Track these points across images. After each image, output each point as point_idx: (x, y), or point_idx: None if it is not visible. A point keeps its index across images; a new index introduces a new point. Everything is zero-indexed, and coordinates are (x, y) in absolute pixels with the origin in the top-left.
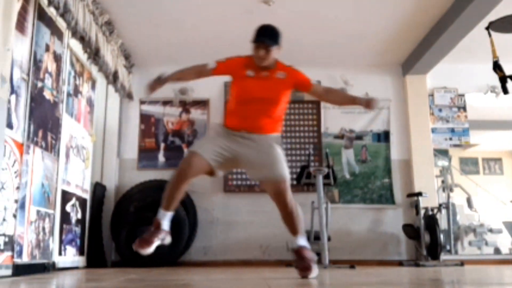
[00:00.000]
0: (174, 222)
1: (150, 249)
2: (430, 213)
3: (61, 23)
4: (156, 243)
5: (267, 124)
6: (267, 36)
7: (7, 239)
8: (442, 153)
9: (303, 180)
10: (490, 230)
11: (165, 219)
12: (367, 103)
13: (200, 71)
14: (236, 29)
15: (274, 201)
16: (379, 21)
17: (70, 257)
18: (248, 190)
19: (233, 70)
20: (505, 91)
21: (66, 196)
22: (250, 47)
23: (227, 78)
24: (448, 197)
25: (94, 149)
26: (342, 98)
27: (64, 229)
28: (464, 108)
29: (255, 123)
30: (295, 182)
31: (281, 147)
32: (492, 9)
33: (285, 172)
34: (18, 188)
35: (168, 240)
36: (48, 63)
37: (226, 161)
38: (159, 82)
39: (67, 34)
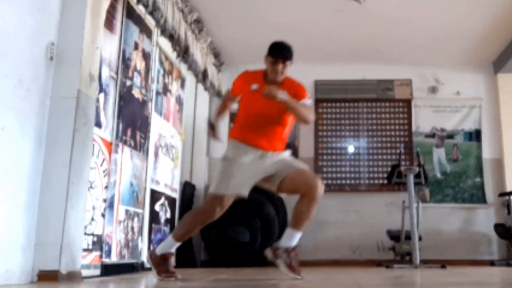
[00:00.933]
0: (265, 222)
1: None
2: None
3: (150, 21)
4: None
5: (279, 143)
6: (285, 51)
7: (95, 239)
8: None
9: (394, 179)
10: None
11: (173, 248)
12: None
13: (227, 99)
14: (326, 28)
15: (305, 194)
16: (470, 19)
17: None
18: (339, 189)
19: (242, 89)
20: None
21: (155, 196)
22: (265, 60)
23: (318, 74)
24: None
25: (183, 148)
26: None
27: (153, 228)
28: None
29: (267, 141)
30: (386, 182)
31: None
32: None
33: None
34: (106, 187)
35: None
36: (137, 61)
37: (259, 181)
38: (212, 130)
39: (156, 32)
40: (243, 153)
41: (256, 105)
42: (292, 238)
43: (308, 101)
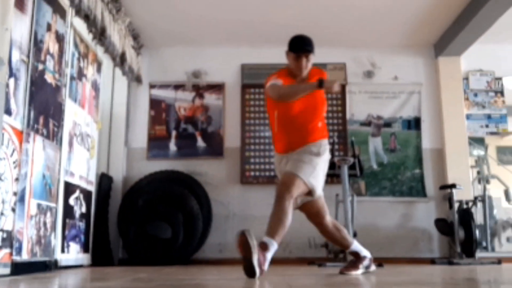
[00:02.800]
0: (188, 217)
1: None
2: (465, 206)
3: (64, 1)
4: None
5: (307, 134)
6: (307, 45)
7: (5, 235)
8: (477, 141)
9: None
10: None
11: None
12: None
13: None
14: (253, 9)
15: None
16: None
17: (74, 254)
18: (267, 181)
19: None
20: None
21: (69, 188)
22: (286, 56)
23: (244, 58)
24: (484, 189)
25: (99, 137)
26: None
27: (67, 224)
28: (502, 93)
29: (296, 141)
30: None
31: (321, 153)
32: None
33: (296, 169)
34: (17, 179)
35: None
36: (50, 43)
37: None
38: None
39: (70, 12)
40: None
41: (291, 108)
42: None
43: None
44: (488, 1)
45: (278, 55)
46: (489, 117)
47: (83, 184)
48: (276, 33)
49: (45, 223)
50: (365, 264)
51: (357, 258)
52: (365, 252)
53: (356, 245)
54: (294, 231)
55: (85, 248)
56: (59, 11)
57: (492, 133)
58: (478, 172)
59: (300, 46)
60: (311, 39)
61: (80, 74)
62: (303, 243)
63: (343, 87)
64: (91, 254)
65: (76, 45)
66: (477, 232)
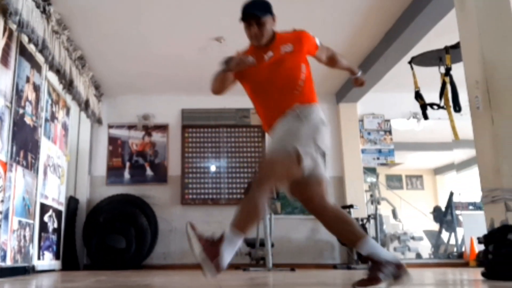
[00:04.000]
0: (138, 231)
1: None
2: (361, 222)
3: (40, 58)
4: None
5: (288, 102)
6: (253, 8)
7: None
8: (370, 170)
9: None
10: (412, 238)
11: None
12: (357, 81)
13: (225, 78)
14: (192, 62)
15: None
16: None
17: (48, 261)
18: (203, 202)
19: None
20: (425, 117)
21: (44, 208)
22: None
23: (184, 104)
24: (376, 209)
25: (68, 167)
26: (342, 67)
27: (42, 236)
28: (390, 132)
29: (280, 112)
30: (243, 196)
31: (307, 116)
32: (414, 46)
33: (275, 145)
34: (2, 201)
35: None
36: (29, 92)
37: None
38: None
39: (45, 67)
40: None
41: (261, 79)
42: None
43: (318, 40)
44: (379, 59)
45: (212, 101)
46: (379, 151)
47: (55, 205)
48: (209, 83)
49: (24, 236)
50: (388, 272)
51: (374, 264)
52: (385, 255)
53: (371, 245)
54: None
55: (56, 256)
56: (36, 66)
57: (382, 164)
58: (371, 195)
59: (245, 12)
60: (263, 1)
61: (53, 117)
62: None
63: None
64: (61, 260)
65: (49, 94)
66: None
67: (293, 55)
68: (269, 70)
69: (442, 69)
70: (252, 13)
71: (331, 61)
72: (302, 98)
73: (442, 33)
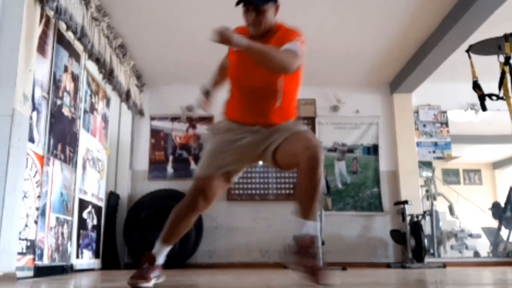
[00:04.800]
0: None
1: (149, 284)
2: (415, 219)
3: (78, 46)
4: (153, 280)
5: (276, 114)
6: None
7: (29, 243)
8: (426, 164)
9: None
10: (470, 235)
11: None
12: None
13: (222, 65)
14: None
15: (302, 169)
16: (369, 43)
17: (87, 259)
18: (249, 198)
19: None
20: (484, 108)
21: (83, 204)
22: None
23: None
24: (432, 205)
25: (108, 161)
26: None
27: (81, 234)
28: (447, 124)
29: (262, 116)
30: (292, 192)
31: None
32: (472, 33)
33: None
34: (39, 196)
35: (162, 278)
36: (67, 82)
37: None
38: (206, 96)
39: (84, 56)
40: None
41: (238, 71)
42: (301, 228)
43: (293, 45)
44: (435, 47)
45: None
46: (435, 144)
47: (95, 201)
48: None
49: (62, 233)
50: None
51: None
52: None
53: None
54: (272, 240)
55: (96, 254)
56: (75, 55)
57: (438, 158)
58: (427, 191)
59: None
60: None
61: (92, 108)
62: (279, 250)
63: (313, 119)
64: (101, 259)
65: (88, 84)
66: (425, 241)
67: None
68: (247, 64)
69: (502, 58)
70: (250, 1)
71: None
72: (290, 114)
73: (502, 20)
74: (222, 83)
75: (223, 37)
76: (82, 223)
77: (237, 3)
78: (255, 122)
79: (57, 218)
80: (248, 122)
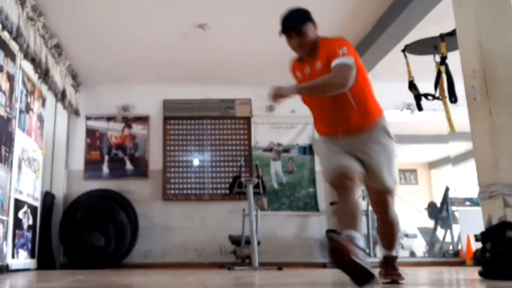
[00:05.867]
0: (118, 228)
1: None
2: None
3: (14, 46)
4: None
5: (355, 119)
6: (292, 20)
7: None
8: None
9: (235, 189)
10: (406, 235)
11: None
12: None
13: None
14: (173, 51)
15: (373, 208)
16: None
17: (22, 259)
18: (185, 198)
19: (295, 78)
20: (420, 108)
21: (18, 204)
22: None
23: (166, 94)
24: (368, 205)
25: (44, 161)
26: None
27: (16, 234)
28: None
29: (343, 126)
30: (227, 191)
31: (388, 133)
32: (408, 33)
33: (390, 180)
34: None
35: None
36: (2, 82)
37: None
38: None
39: (19, 56)
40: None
41: (307, 97)
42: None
43: (341, 59)
44: (369, 48)
45: (194, 92)
46: None
47: (30, 201)
48: (192, 73)
49: None
50: None
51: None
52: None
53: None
54: (207, 240)
55: (32, 254)
56: (10, 55)
57: None
58: (362, 191)
59: (283, 24)
60: (301, 11)
61: (28, 108)
62: (215, 250)
63: (248, 119)
64: (37, 259)
65: (24, 84)
66: None
67: (324, 72)
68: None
69: (437, 58)
70: (292, 25)
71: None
72: (372, 112)
73: (437, 20)
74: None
75: (276, 96)
76: (17, 223)
77: (282, 32)
78: (339, 133)
79: None
80: (334, 134)
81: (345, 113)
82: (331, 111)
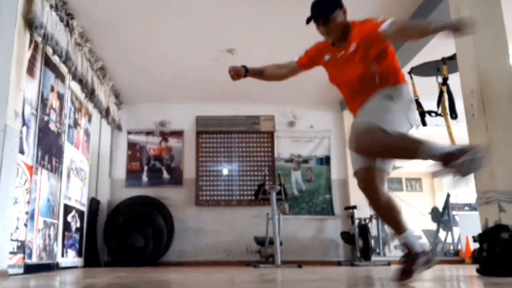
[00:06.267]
0: (156, 231)
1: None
2: (363, 222)
3: (63, 69)
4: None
5: (368, 89)
6: (317, 9)
7: (19, 244)
8: None
9: (260, 196)
10: None
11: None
12: (457, 27)
13: (287, 67)
14: (205, 73)
15: (364, 192)
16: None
17: (71, 258)
18: (215, 204)
19: (315, 60)
20: (424, 123)
21: (67, 209)
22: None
23: (198, 111)
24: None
25: (90, 170)
26: (420, 33)
27: (65, 235)
28: None
29: (358, 102)
30: (253, 198)
31: (398, 97)
32: (413, 57)
33: (367, 118)
34: (28, 202)
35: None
36: (53, 101)
37: None
38: (244, 73)
39: (68, 77)
40: None
41: (334, 77)
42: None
43: (386, 24)
44: None
45: (224, 109)
46: None
47: (78, 206)
48: (222, 93)
49: (49, 235)
50: (421, 262)
51: (409, 255)
52: (418, 247)
53: (408, 236)
54: (235, 241)
55: (79, 254)
56: (60, 76)
57: None
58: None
59: (311, 12)
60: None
61: (76, 124)
62: (242, 250)
63: (272, 133)
64: (83, 258)
65: (72, 102)
66: (372, 241)
67: (358, 54)
68: (339, 67)
69: (440, 79)
70: (317, 14)
71: (405, 36)
72: (387, 82)
73: (440, 45)
74: (270, 78)
75: (235, 75)
76: (66, 225)
77: (307, 21)
78: (357, 110)
79: (45, 221)
80: (355, 112)
81: (366, 90)
82: (357, 89)
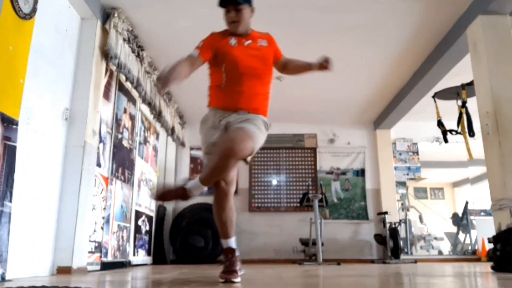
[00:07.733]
0: (214, 233)
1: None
2: (393, 226)
3: (135, 93)
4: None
5: (260, 101)
6: None
7: (96, 244)
8: (401, 184)
9: (304, 203)
10: (435, 238)
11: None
12: (321, 66)
13: (190, 62)
14: None
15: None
16: (358, 92)
17: (141, 257)
18: (266, 210)
19: (215, 45)
20: (446, 140)
21: (138, 214)
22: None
23: None
24: (406, 215)
25: (158, 181)
26: (299, 67)
27: (136, 237)
28: (417, 153)
29: (251, 101)
30: (298, 204)
31: (265, 123)
32: (436, 83)
33: (251, 128)
34: (104, 208)
35: (243, 270)
36: (126, 121)
37: None
38: (165, 82)
39: (139, 101)
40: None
41: (238, 60)
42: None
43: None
44: (408, 94)
45: (273, 128)
46: (409, 168)
47: (147, 212)
48: (270, 114)
49: (122, 237)
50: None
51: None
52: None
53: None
54: (283, 241)
55: (148, 253)
56: (132, 100)
57: (411, 179)
58: (402, 204)
59: None
60: None
61: (145, 141)
62: (289, 250)
63: (314, 149)
64: (152, 257)
65: (142, 122)
66: (401, 242)
67: (268, 50)
68: (247, 54)
69: (459, 102)
70: (231, 1)
71: (290, 66)
72: (265, 109)
73: (459, 73)
74: (183, 76)
75: (163, 83)
76: (137, 229)
77: (220, 5)
78: (238, 106)
79: (118, 225)
80: (232, 107)
81: (258, 90)
82: (252, 82)
